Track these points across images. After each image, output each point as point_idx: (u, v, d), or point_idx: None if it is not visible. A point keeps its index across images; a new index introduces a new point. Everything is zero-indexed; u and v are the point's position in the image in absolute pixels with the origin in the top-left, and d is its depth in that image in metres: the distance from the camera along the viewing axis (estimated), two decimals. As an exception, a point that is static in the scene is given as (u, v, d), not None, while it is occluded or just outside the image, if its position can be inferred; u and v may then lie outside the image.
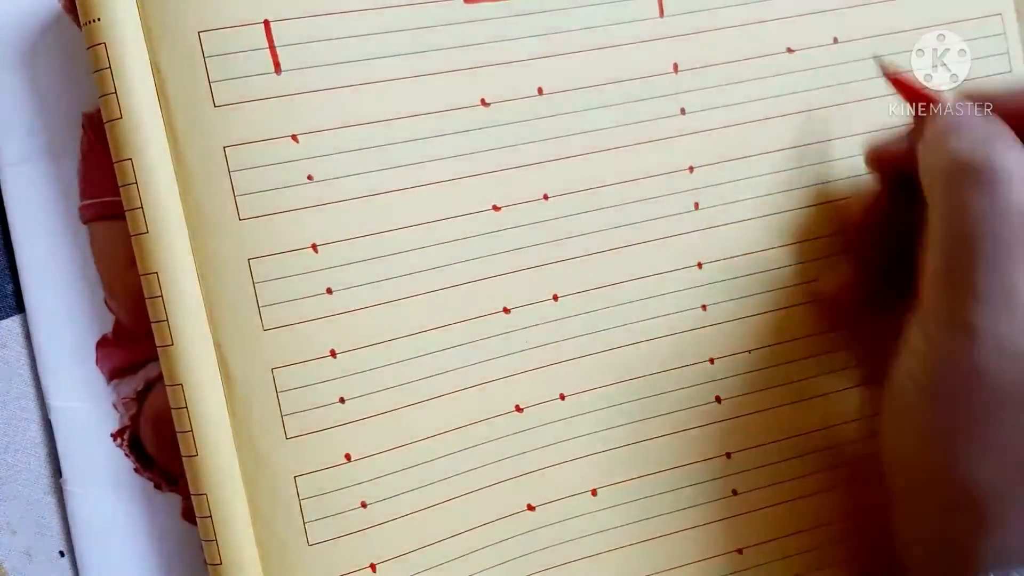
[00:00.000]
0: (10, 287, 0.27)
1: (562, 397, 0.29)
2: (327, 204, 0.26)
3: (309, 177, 0.26)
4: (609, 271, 0.29)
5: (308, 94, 0.26)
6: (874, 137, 0.30)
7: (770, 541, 0.30)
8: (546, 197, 0.29)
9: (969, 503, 0.24)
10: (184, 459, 0.26)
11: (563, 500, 0.29)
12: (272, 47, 0.26)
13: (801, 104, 0.31)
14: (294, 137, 0.26)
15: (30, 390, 0.27)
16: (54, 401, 0.28)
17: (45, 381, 0.28)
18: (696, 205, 0.30)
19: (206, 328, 0.26)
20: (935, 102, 0.27)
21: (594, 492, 0.29)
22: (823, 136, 0.31)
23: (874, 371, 0.27)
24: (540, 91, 0.29)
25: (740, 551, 0.30)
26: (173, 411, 0.26)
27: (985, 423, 0.24)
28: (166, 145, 0.26)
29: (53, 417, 0.28)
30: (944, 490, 0.25)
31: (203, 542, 0.26)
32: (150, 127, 0.25)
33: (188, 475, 0.26)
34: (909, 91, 0.29)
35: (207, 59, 0.25)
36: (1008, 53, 0.33)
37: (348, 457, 0.27)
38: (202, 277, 0.26)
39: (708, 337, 0.30)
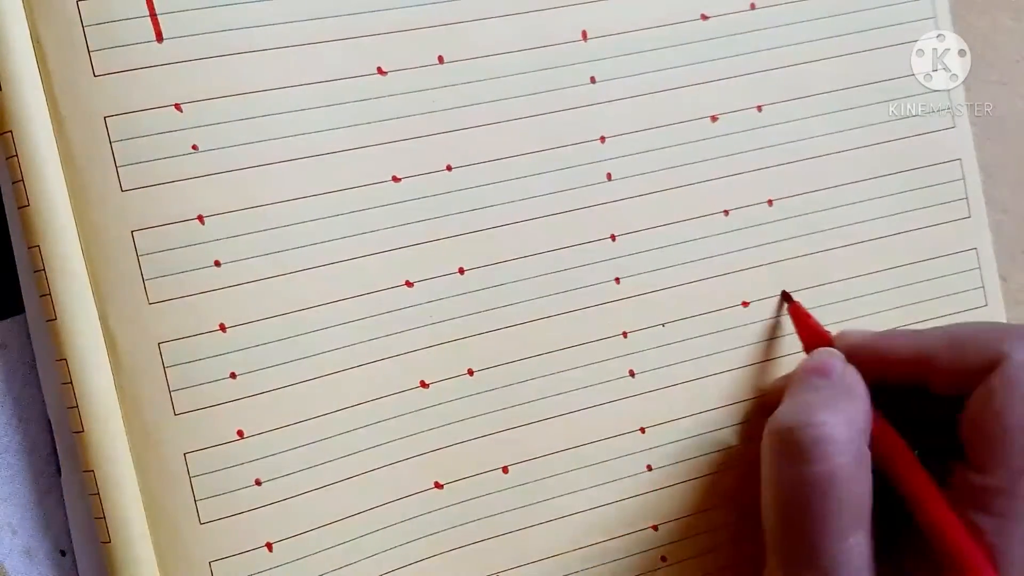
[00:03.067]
0: (10, 287, 0.26)
1: (470, 373, 0.28)
2: (213, 174, 0.26)
3: (194, 147, 0.26)
4: (516, 242, 0.29)
5: (191, 62, 0.26)
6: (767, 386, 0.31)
7: (686, 517, 0.30)
8: (449, 168, 0.28)
9: None
10: (73, 435, 0.26)
11: (472, 478, 0.29)
12: (153, 15, 0.25)
13: (719, 72, 0.30)
14: (177, 106, 0.25)
15: (30, 390, 0.27)
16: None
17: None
18: (608, 176, 0.29)
19: (91, 302, 0.25)
20: (823, 342, 0.29)
21: (505, 470, 0.29)
22: None
23: None
24: (440, 59, 0.28)
25: (655, 527, 0.30)
26: (60, 386, 0.26)
27: None
28: (48, 116, 0.25)
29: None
30: None
31: (94, 520, 0.26)
32: (30, 98, 0.25)
33: (78, 452, 0.26)
34: (805, 327, 0.30)
35: (86, 28, 0.25)
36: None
37: (241, 434, 0.26)
38: (86, 250, 0.25)
39: (620, 310, 0.29)
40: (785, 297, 0.30)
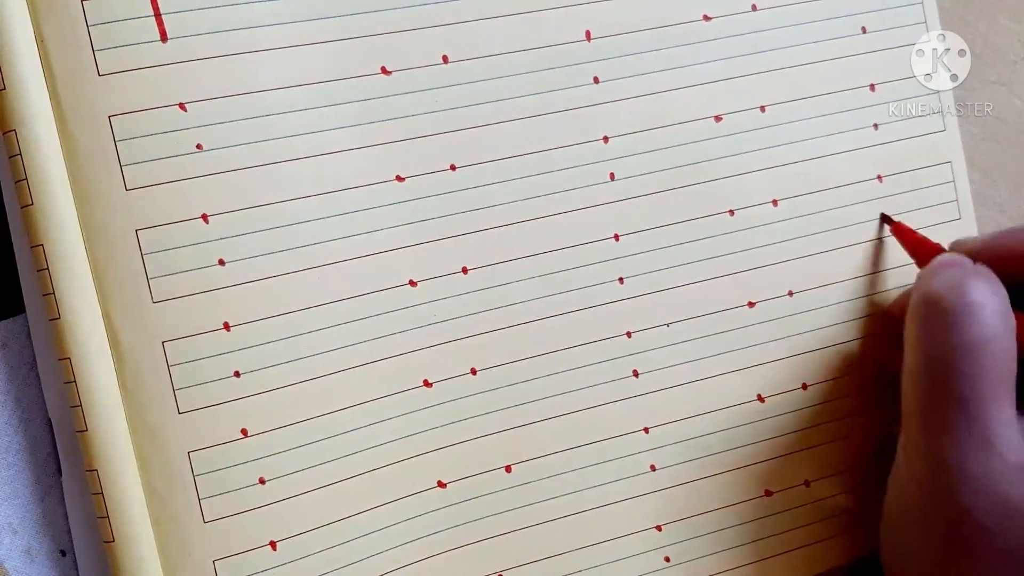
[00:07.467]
0: (10, 287, 0.26)
1: (473, 372, 0.28)
2: (217, 174, 0.26)
3: (198, 146, 0.26)
4: (519, 242, 0.29)
5: (196, 62, 0.26)
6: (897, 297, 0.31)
7: (690, 517, 0.30)
8: (453, 167, 0.28)
9: None
10: (76, 434, 0.26)
11: (476, 476, 0.29)
12: (157, 14, 0.25)
13: (722, 73, 0.30)
14: (181, 106, 0.25)
15: (30, 390, 0.27)
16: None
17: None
18: (612, 176, 0.29)
19: (95, 301, 0.25)
20: (934, 252, 0.29)
21: (508, 469, 0.29)
22: None
23: None
24: (444, 59, 0.28)
25: (659, 528, 0.30)
26: (63, 385, 0.26)
27: (969, 559, 0.24)
28: (51, 115, 0.25)
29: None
30: None
31: (97, 519, 0.26)
32: (35, 97, 0.25)
33: (81, 452, 0.26)
34: (912, 242, 0.30)
35: (90, 27, 0.25)
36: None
37: (245, 432, 0.26)
38: (89, 249, 0.25)
39: (624, 310, 0.29)
40: (884, 219, 0.31)
